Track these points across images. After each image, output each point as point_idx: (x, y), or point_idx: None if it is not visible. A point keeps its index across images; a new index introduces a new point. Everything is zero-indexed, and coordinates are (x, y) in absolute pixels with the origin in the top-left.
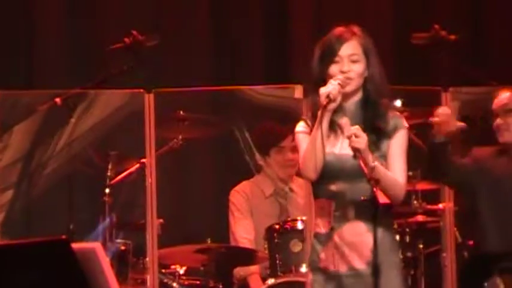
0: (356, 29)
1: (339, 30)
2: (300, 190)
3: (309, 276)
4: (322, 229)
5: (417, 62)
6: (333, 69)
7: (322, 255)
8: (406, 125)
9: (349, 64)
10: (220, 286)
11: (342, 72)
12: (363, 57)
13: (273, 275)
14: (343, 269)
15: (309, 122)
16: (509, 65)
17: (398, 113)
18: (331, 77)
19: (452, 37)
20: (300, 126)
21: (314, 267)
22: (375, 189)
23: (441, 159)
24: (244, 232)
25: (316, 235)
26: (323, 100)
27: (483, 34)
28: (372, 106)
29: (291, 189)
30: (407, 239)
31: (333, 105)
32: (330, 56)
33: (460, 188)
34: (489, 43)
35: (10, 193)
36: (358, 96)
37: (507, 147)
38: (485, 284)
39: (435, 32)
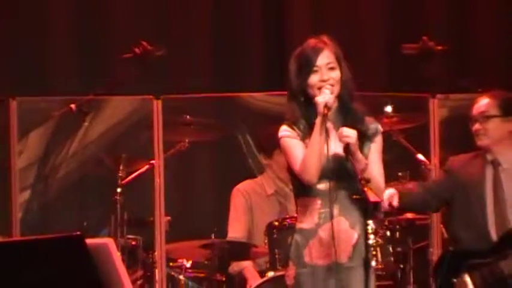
0: (326, 38)
1: (312, 41)
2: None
3: (292, 270)
4: (307, 225)
5: (407, 70)
6: (313, 79)
7: (307, 250)
8: (381, 129)
9: (328, 72)
10: (224, 278)
11: (323, 80)
12: (337, 64)
13: (272, 268)
14: (326, 262)
15: (293, 126)
16: (492, 73)
17: (373, 118)
18: (311, 86)
19: (440, 48)
20: (284, 131)
21: (298, 262)
22: (365, 188)
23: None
24: (233, 232)
25: (301, 231)
26: (322, 109)
27: (469, 45)
28: (350, 111)
29: (291, 190)
30: (398, 235)
31: (329, 112)
32: (308, 66)
33: (445, 204)
34: (474, 53)
35: (28, 193)
36: (335, 103)
37: (483, 151)
38: (454, 280)
39: (424, 43)
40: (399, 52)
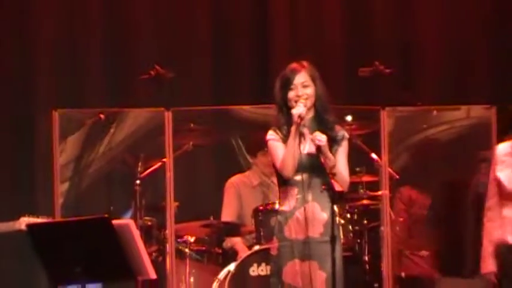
0: (305, 63)
1: (292, 65)
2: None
3: (276, 243)
4: (287, 208)
5: (362, 88)
6: (290, 94)
7: (287, 228)
8: (348, 136)
9: (302, 89)
10: (220, 251)
11: (298, 96)
12: (311, 83)
13: (258, 242)
14: (301, 237)
15: (278, 131)
16: (431, 90)
17: (341, 127)
18: (289, 100)
19: (388, 70)
20: (270, 135)
21: (280, 236)
22: (332, 180)
23: None
24: (225, 216)
25: (281, 212)
26: (296, 119)
27: (411, 68)
28: (323, 120)
29: (272, 182)
30: (356, 216)
31: (303, 123)
32: (287, 85)
33: None
34: (415, 75)
35: (66, 184)
36: (311, 113)
37: None
38: None
39: (375, 67)
40: (356, 74)
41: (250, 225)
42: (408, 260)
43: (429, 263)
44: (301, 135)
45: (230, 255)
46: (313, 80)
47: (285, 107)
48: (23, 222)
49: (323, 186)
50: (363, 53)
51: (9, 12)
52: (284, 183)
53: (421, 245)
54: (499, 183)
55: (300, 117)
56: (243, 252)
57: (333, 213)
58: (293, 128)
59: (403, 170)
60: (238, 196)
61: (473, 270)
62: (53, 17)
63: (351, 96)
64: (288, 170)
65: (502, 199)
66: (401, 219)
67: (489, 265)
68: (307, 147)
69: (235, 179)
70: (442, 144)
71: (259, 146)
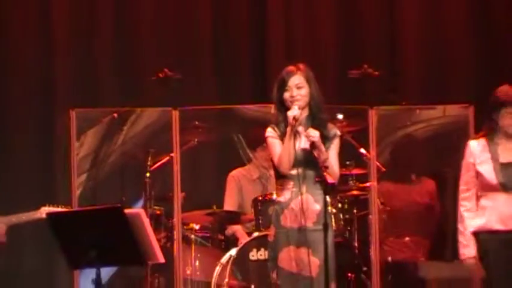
0: (301, 65)
1: (289, 68)
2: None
3: (273, 230)
4: (283, 199)
5: (353, 89)
6: (286, 95)
7: (283, 216)
8: (339, 133)
9: (296, 90)
10: (222, 237)
11: (292, 96)
12: (305, 84)
13: (257, 229)
14: (296, 226)
15: (276, 129)
16: (415, 91)
17: (333, 124)
18: (285, 100)
19: (376, 73)
20: (269, 132)
21: (277, 225)
22: (325, 173)
23: None
24: (227, 206)
25: (278, 203)
26: (291, 121)
27: (396, 71)
28: (316, 118)
29: (271, 175)
30: (346, 206)
31: (297, 123)
32: (282, 86)
33: None
34: (400, 77)
35: (84, 176)
36: (306, 112)
37: None
38: None
39: (364, 69)
40: (346, 76)
41: (250, 214)
42: (393, 245)
43: (413, 248)
44: (296, 132)
45: (232, 241)
46: (308, 81)
47: (282, 107)
48: (44, 211)
49: (316, 178)
50: (353, 57)
51: (29, 15)
52: (281, 176)
53: (404, 233)
54: (481, 177)
55: (295, 118)
56: (243, 238)
57: (325, 203)
58: (288, 129)
59: (387, 164)
60: (238, 188)
61: (455, 255)
62: (70, 21)
63: (341, 96)
64: (284, 167)
65: (483, 191)
66: (388, 208)
67: (470, 250)
68: (302, 144)
69: (235, 173)
70: (420, 141)
71: (259, 141)
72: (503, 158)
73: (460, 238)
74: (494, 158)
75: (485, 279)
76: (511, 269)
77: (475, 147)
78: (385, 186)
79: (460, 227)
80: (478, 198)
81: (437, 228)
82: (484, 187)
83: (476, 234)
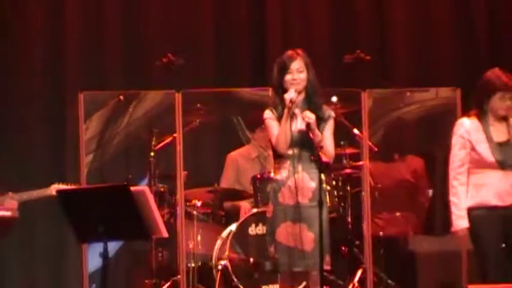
0: (300, 51)
1: (289, 52)
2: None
3: (271, 207)
4: (280, 177)
5: (347, 73)
6: (287, 77)
7: (280, 194)
8: (334, 115)
9: (297, 74)
10: (223, 213)
11: (293, 79)
12: (304, 69)
13: (256, 206)
14: (292, 203)
15: (273, 111)
16: (406, 75)
17: (328, 106)
18: (285, 82)
19: (368, 57)
20: (267, 114)
21: (274, 201)
22: (320, 152)
23: None
24: (222, 184)
25: (276, 181)
26: (288, 104)
27: (387, 56)
28: (312, 101)
29: (269, 154)
30: (340, 183)
31: (294, 106)
32: (284, 69)
33: None
34: (391, 62)
35: (91, 156)
36: (302, 96)
37: None
38: None
39: (357, 55)
40: (341, 60)
41: (249, 191)
42: (385, 221)
43: (403, 223)
44: (293, 114)
45: (231, 216)
46: (306, 66)
47: (281, 89)
48: (54, 188)
49: (311, 158)
50: (347, 43)
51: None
52: (278, 156)
53: (394, 208)
54: (477, 155)
55: (291, 101)
56: (244, 214)
57: (320, 181)
58: (285, 111)
59: (380, 143)
60: (235, 168)
61: (444, 229)
62: (81, 9)
63: (336, 80)
64: (281, 147)
65: (478, 168)
66: (379, 185)
67: (464, 222)
68: (298, 125)
69: (233, 154)
70: (413, 121)
71: (257, 123)
72: (497, 138)
73: (454, 210)
74: (489, 138)
75: (476, 254)
76: (504, 244)
77: (470, 125)
78: (375, 166)
79: (454, 199)
80: (469, 175)
81: (427, 203)
82: (480, 165)
83: (470, 209)
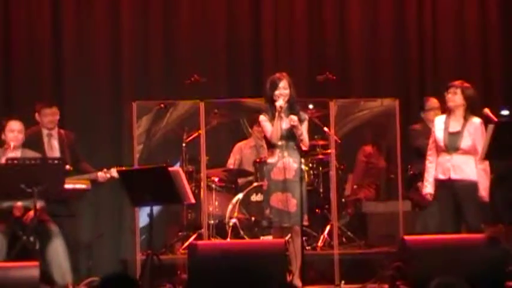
0: (285, 73)
1: (277, 74)
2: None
3: (266, 182)
4: (272, 160)
5: (319, 88)
6: (276, 92)
7: (272, 172)
8: (307, 117)
9: (283, 90)
10: (234, 186)
11: (280, 94)
12: (288, 86)
13: (256, 181)
14: (281, 178)
15: (267, 115)
16: (360, 89)
17: (303, 112)
18: (275, 95)
19: (334, 77)
20: (262, 117)
21: (268, 178)
22: (300, 143)
23: None
24: (228, 165)
25: (269, 164)
26: (278, 109)
27: (348, 75)
28: (293, 108)
29: (262, 145)
30: (314, 165)
31: (282, 111)
32: (274, 86)
33: None
34: (350, 79)
35: (141, 146)
36: (286, 104)
37: None
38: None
39: (326, 75)
40: (315, 79)
41: (252, 171)
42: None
43: (372, 192)
44: (281, 117)
45: (239, 188)
46: (289, 84)
47: (271, 100)
48: (113, 171)
49: (295, 147)
50: (319, 66)
51: (101, 29)
52: (271, 146)
53: (371, 180)
54: (437, 140)
55: (280, 107)
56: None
57: (300, 163)
58: (276, 115)
59: (345, 137)
60: (239, 153)
61: (387, 196)
62: (132, 40)
63: (311, 93)
64: (274, 139)
65: (437, 151)
66: (342, 167)
67: (429, 189)
68: (284, 124)
69: (239, 144)
70: (365, 122)
71: (255, 122)
72: (452, 128)
73: (424, 181)
74: (445, 128)
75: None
76: (443, 204)
77: (437, 121)
78: (367, 149)
79: (425, 173)
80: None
81: (377, 177)
82: (438, 148)
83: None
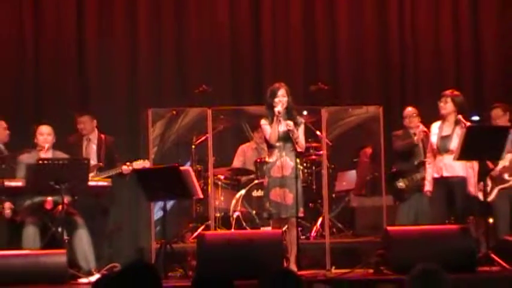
0: (283, 83)
1: (276, 84)
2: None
3: (266, 179)
4: (271, 160)
5: (312, 97)
6: (275, 100)
7: (272, 170)
8: (303, 121)
9: (282, 98)
10: (236, 183)
11: (279, 101)
12: (286, 94)
13: (257, 178)
14: (279, 176)
15: (267, 120)
16: (348, 97)
17: (300, 116)
18: (274, 102)
19: (326, 87)
20: (263, 121)
21: (268, 175)
22: (296, 145)
23: None
24: (234, 165)
25: (269, 163)
26: (277, 114)
27: (338, 85)
28: (290, 114)
29: (262, 147)
30: (308, 165)
31: (280, 116)
32: (274, 94)
33: None
34: (339, 89)
35: (155, 148)
36: (284, 110)
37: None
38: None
39: (319, 85)
40: (308, 89)
41: (253, 169)
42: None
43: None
44: (279, 121)
45: (242, 185)
46: (287, 93)
47: (271, 106)
48: (135, 164)
49: (291, 148)
50: (312, 77)
51: (119, 43)
52: (270, 147)
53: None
54: (431, 144)
55: (279, 112)
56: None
57: (296, 162)
58: (275, 119)
59: (335, 140)
60: (243, 154)
61: (372, 192)
62: (149, 52)
63: (306, 101)
64: (273, 141)
65: (433, 153)
66: (332, 166)
67: (428, 187)
68: (282, 128)
69: (243, 146)
70: (352, 127)
71: (256, 127)
72: (444, 132)
73: (426, 180)
74: (439, 133)
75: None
76: (437, 198)
77: (433, 127)
78: (368, 151)
79: (426, 173)
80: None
81: (368, 174)
82: (434, 151)
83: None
